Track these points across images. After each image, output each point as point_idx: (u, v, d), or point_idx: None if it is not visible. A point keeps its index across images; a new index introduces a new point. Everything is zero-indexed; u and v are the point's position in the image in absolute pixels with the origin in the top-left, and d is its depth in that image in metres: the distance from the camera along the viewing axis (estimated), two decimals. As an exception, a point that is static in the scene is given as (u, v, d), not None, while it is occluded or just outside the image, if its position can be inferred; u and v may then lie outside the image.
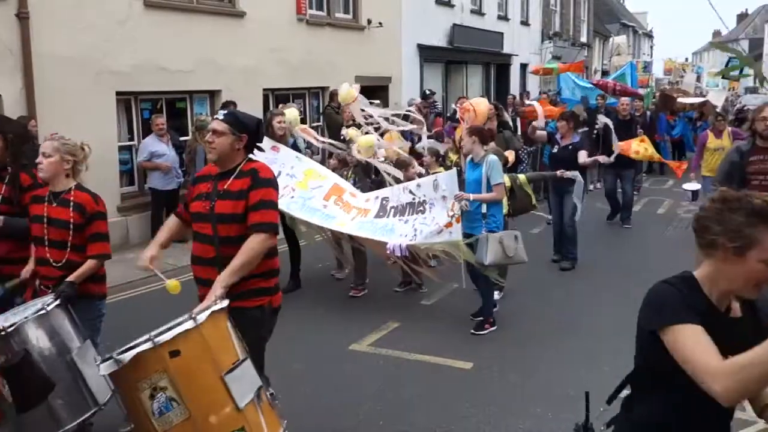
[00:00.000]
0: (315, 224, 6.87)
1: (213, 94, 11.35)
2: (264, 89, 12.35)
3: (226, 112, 3.67)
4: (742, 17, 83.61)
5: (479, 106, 7.84)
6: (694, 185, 10.37)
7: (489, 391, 5.02)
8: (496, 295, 6.99)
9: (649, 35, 60.44)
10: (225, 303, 3.08)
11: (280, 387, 5.07)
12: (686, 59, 65.39)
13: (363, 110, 7.65)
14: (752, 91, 54.43)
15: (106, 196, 9.71)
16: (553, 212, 8.52)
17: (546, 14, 27.15)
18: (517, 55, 23.74)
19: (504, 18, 22.97)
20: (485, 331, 6.08)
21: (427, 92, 15.12)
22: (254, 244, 3.39)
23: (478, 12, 21.00)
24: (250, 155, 3.63)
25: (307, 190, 6.84)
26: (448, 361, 5.53)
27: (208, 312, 2.91)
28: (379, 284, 7.25)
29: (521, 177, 7.15)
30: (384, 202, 6.58)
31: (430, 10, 18.03)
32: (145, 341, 2.78)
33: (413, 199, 6.29)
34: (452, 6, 19.21)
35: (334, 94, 12.80)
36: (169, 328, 2.85)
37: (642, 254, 8.98)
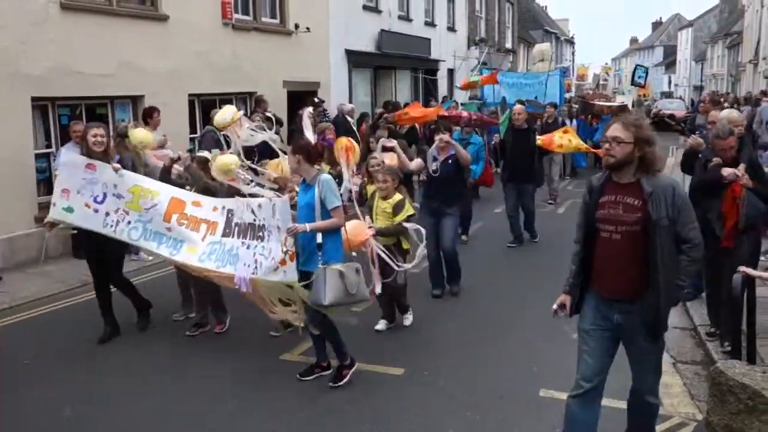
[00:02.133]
0: (163, 256, 6.02)
1: (136, 100, 11.03)
2: (189, 94, 12.10)
3: None
4: (656, 25, 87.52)
5: None
6: None
7: (420, 396, 5.06)
8: (408, 320, 6.54)
9: (571, 41, 62.48)
10: None
11: (206, 401, 5.00)
12: (606, 64, 67.90)
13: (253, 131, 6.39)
14: (667, 96, 57.16)
15: (22, 205, 9.39)
16: (428, 239, 6.81)
17: (472, 20, 27.69)
18: (444, 61, 24.11)
19: (431, 24, 23.28)
20: (344, 380, 5.21)
21: (316, 100, 14.03)
22: None
23: (406, 18, 21.22)
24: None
25: (142, 212, 5.94)
26: (380, 367, 5.55)
27: None
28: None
29: (398, 218, 6.20)
30: (230, 215, 5.68)
31: (358, 16, 18.08)
32: None
33: (254, 220, 5.41)
34: (380, 12, 19.34)
35: (260, 100, 12.71)
36: None
37: (567, 256, 9.21)
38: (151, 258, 7.91)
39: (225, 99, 13.32)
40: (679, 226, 3.49)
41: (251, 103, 13.63)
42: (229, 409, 4.90)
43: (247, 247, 5.39)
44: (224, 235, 5.64)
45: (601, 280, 3.70)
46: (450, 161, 7.26)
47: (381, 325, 6.48)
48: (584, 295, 3.80)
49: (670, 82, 73.37)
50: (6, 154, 8.69)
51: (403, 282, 6.43)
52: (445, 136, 7.29)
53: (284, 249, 5.04)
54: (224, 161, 5.88)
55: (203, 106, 12.57)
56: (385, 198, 6.26)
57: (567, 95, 24.88)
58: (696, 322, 6.34)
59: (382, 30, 19.30)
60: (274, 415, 4.80)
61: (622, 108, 16.27)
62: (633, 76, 23.75)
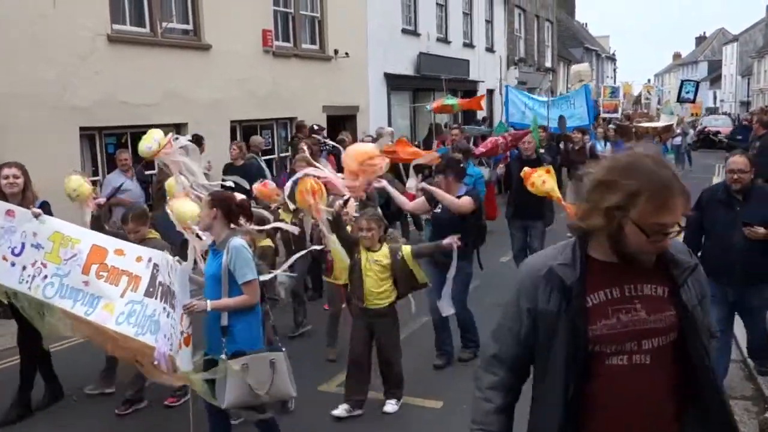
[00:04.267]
0: (78, 316, 4.81)
1: (179, 128, 11.26)
2: (231, 121, 12.32)
3: None
4: (700, 40, 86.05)
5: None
6: None
7: (460, 429, 4.99)
8: (391, 406, 5.33)
9: (612, 58, 61.86)
10: None
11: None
12: (648, 80, 66.96)
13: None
14: (712, 111, 55.93)
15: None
16: (435, 293, 5.93)
17: (510, 40, 27.63)
18: (483, 82, 24.07)
19: (469, 45, 23.32)
20: None
21: (315, 127, 12.61)
22: None
23: (444, 40, 21.30)
24: None
25: (61, 264, 4.98)
26: (418, 400, 5.52)
27: None
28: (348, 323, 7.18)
29: (405, 250, 5.30)
30: (155, 271, 4.60)
31: (396, 39, 18.22)
32: None
33: (170, 283, 4.37)
34: (418, 35, 19.46)
35: (301, 125, 12.86)
36: None
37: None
38: None
39: (266, 125, 13.56)
40: (704, 311, 2.15)
41: (292, 128, 13.82)
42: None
43: (167, 315, 4.36)
44: (147, 294, 4.59)
45: None
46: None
47: (339, 410, 5.20)
48: None
49: (715, 98, 71.97)
50: (55, 182, 8.93)
51: (394, 341, 5.42)
52: (441, 179, 6.16)
53: (180, 329, 4.13)
54: (182, 210, 5.05)
55: (244, 132, 12.78)
56: (370, 248, 5.25)
57: (612, 115, 24.36)
58: (745, 354, 6.14)
59: (421, 53, 19.40)
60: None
61: (667, 128, 15.90)
62: (680, 91, 21.72)
